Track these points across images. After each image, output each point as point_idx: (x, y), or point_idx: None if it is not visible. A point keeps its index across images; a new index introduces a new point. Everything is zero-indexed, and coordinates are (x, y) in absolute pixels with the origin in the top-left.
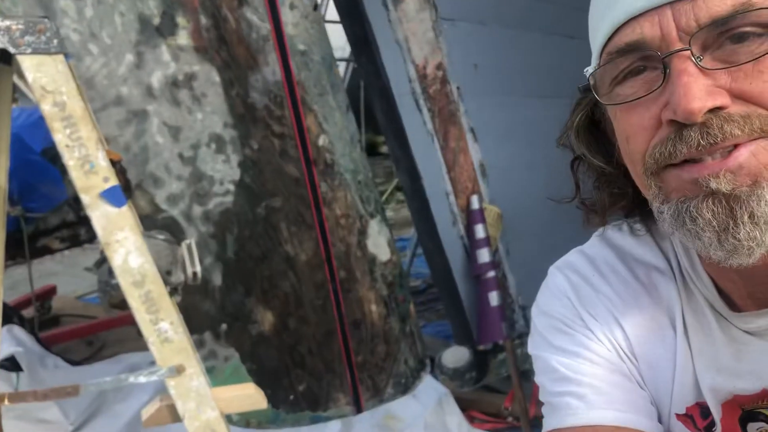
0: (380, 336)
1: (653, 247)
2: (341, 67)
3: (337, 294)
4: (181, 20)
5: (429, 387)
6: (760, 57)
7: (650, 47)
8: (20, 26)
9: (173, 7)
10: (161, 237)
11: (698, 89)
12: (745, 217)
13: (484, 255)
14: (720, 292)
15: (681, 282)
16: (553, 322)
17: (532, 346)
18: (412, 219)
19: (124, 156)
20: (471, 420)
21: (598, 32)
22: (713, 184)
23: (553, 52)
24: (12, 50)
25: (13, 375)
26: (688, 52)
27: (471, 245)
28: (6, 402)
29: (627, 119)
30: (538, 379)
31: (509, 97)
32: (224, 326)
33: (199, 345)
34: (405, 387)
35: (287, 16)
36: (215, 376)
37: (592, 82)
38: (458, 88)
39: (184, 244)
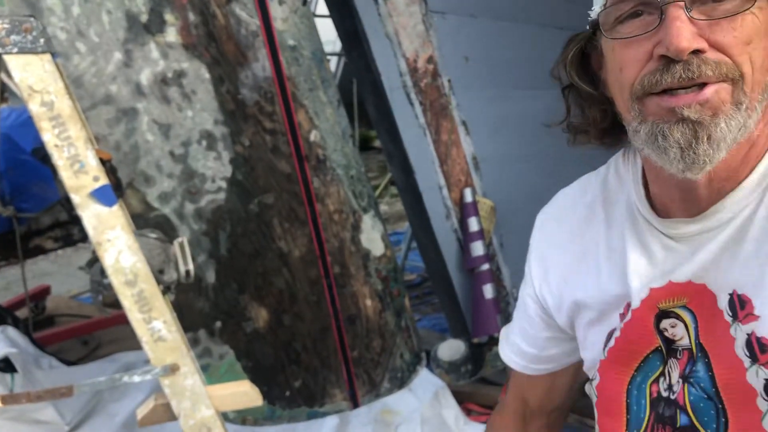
0: (376, 330)
1: (615, 184)
2: (333, 61)
3: (332, 289)
4: (169, 17)
5: (425, 380)
6: (733, 15)
7: None
8: (6, 25)
9: (161, 4)
10: (153, 235)
11: (687, 33)
12: (705, 138)
13: (478, 248)
14: (655, 209)
15: (627, 205)
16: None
17: None
18: (405, 213)
19: (114, 155)
20: (467, 413)
21: None
22: (685, 113)
23: (544, 44)
24: None
25: (8, 376)
26: (682, 3)
27: (465, 238)
28: (0, 404)
29: (624, 52)
30: None
31: (501, 89)
32: (218, 324)
33: (193, 343)
34: (401, 381)
35: (276, 12)
36: (210, 373)
37: (599, 19)
38: (449, 81)
39: (176, 243)
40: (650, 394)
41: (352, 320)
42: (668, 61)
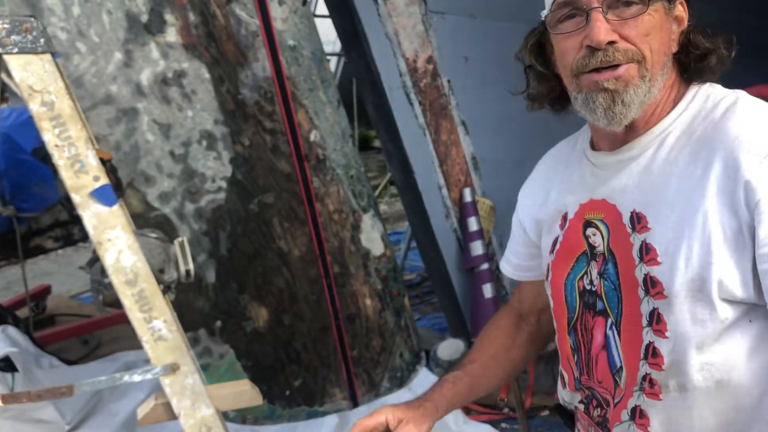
0: (375, 330)
1: (580, 141)
2: (332, 61)
3: (332, 289)
4: (169, 17)
5: (425, 380)
6: (635, 16)
7: (581, 4)
8: (6, 25)
9: (161, 5)
10: (153, 235)
11: (604, 29)
12: (620, 102)
13: (477, 247)
14: (592, 149)
15: (579, 150)
16: None
17: None
18: (405, 213)
19: (114, 155)
20: (467, 412)
21: None
22: (605, 84)
23: None
24: None
25: (9, 375)
26: (600, 9)
27: (464, 238)
28: (0, 403)
29: (564, 43)
30: None
31: (500, 89)
32: (219, 323)
33: (193, 342)
34: (401, 380)
35: (276, 12)
36: (210, 373)
37: (546, 19)
38: (449, 81)
39: (176, 242)
40: (578, 288)
41: (352, 320)
42: (593, 49)
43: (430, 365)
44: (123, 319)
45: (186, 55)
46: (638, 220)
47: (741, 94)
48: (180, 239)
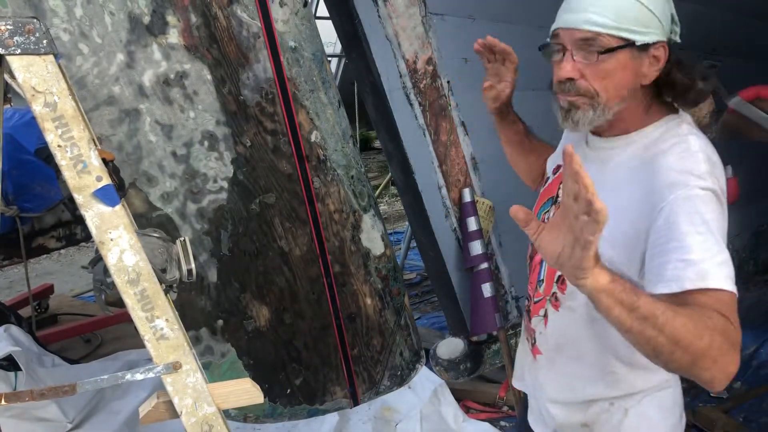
0: (375, 329)
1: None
2: (333, 63)
3: (332, 288)
4: (171, 19)
5: (424, 378)
6: (594, 61)
7: (560, 42)
8: (9, 27)
9: (163, 6)
10: (156, 235)
11: (568, 68)
12: (570, 119)
13: (476, 247)
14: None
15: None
16: None
17: None
18: (405, 213)
19: (117, 155)
20: (466, 410)
21: (552, 24)
22: (562, 104)
23: None
24: (1, 51)
25: (11, 374)
26: (570, 51)
27: (464, 238)
28: (3, 402)
29: (555, 68)
30: None
31: None
32: (220, 322)
33: (195, 341)
34: (401, 379)
35: (277, 13)
36: (212, 371)
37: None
38: (449, 82)
39: (178, 242)
40: (542, 219)
41: (353, 318)
42: (560, 80)
43: (430, 364)
44: (125, 319)
45: (188, 56)
46: None
47: (689, 139)
48: (182, 239)
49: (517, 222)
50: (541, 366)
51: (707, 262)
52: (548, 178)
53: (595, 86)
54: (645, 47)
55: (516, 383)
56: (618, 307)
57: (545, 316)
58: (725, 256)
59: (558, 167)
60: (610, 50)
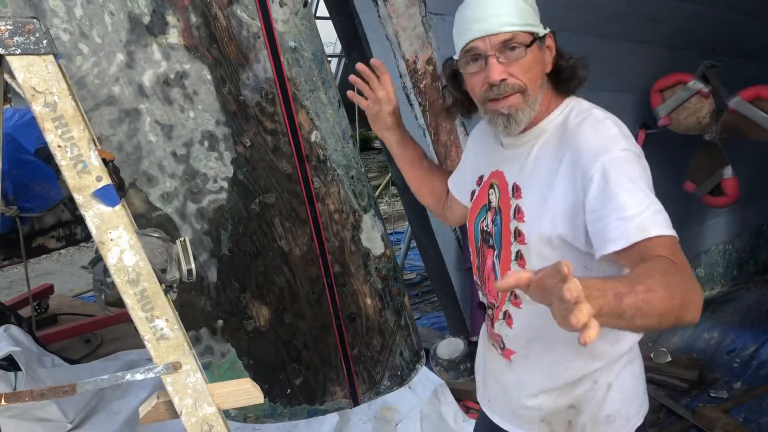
0: (375, 329)
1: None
2: (333, 63)
3: (332, 288)
4: (171, 19)
5: (424, 378)
6: (517, 60)
7: (480, 52)
8: (9, 27)
9: (163, 6)
10: (156, 235)
11: (498, 71)
12: (514, 122)
13: None
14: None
15: (495, 132)
16: None
17: None
18: (405, 213)
19: (117, 155)
20: (466, 410)
21: (459, 41)
22: (502, 110)
23: None
24: (1, 51)
25: (11, 374)
26: (494, 55)
27: (463, 237)
28: (3, 402)
29: (472, 80)
30: None
31: None
32: (220, 322)
33: (195, 341)
34: (401, 379)
35: (277, 13)
36: (212, 371)
37: (458, 62)
38: None
39: (178, 242)
40: (480, 228)
41: (353, 318)
42: (491, 85)
43: (430, 364)
44: (125, 319)
45: (188, 56)
46: (516, 190)
47: (593, 111)
48: (182, 239)
49: (551, 275)
50: (516, 366)
51: (643, 214)
52: (474, 190)
53: (523, 80)
54: (543, 38)
55: (481, 398)
56: (608, 321)
57: (507, 317)
58: (657, 206)
59: (480, 177)
60: (529, 45)
